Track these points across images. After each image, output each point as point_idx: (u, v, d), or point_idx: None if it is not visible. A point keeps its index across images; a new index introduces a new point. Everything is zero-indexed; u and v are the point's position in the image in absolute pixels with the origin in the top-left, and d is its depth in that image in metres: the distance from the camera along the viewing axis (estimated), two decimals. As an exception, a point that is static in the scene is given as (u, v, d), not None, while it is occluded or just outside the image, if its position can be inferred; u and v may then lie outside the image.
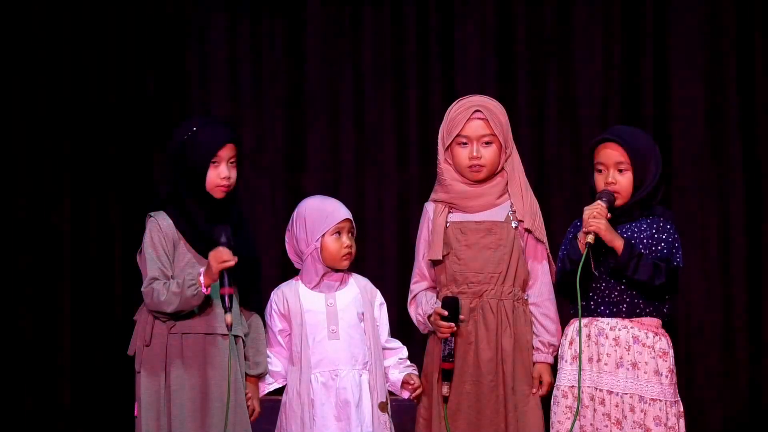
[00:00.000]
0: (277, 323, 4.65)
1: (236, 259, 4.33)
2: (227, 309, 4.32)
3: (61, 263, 6.64)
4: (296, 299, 4.64)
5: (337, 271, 4.66)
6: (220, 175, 4.44)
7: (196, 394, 4.42)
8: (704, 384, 6.59)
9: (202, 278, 4.35)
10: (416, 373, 4.68)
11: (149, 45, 6.74)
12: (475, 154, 4.63)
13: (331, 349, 4.59)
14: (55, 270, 6.64)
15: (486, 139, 4.64)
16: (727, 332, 6.61)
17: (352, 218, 4.69)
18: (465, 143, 4.65)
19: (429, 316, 4.61)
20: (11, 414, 6.58)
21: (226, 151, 4.46)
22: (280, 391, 4.68)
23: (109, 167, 6.69)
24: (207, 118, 4.65)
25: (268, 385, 4.65)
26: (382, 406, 4.61)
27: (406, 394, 4.69)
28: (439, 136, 4.72)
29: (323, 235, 4.63)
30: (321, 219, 4.64)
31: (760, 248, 6.60)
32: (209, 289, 4.37)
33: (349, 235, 4.66)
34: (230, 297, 4.33)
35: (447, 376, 4.57)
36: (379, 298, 4.75)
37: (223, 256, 4.33)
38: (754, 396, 6.59)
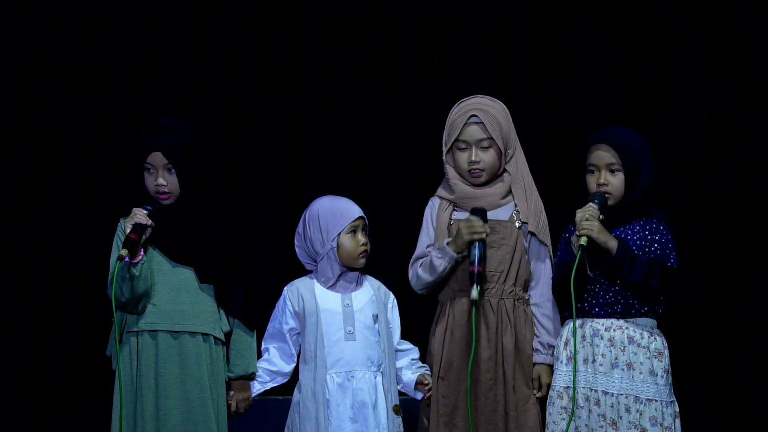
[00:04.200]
0: (289, 321, 4.64)
1: (149, 220, 4.42)
2: (125, 246, 4.37)
3: (59, 263, 6.65)
4: (312, 297, 4.63)
5: (352, 270, 4.66)
6: (154, 181, 4.50)
7: (160, 392, 4.46)
8: (704, 384, 6.57)
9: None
10: (429, 373, 4.68)
11: (150, 45, 6.75)
12: (474, 158, 4.63)
13: (348, 350, 4.58)
14: (54, 270, 6.65)
15: (484, 143, 4.64)
16: (727, 332, 6.60)
17: (365, 215, 4.69)
18: (464, 148, 4.65)
19: (447, 243, 4.58)
20: (12, 414, 6.60)
21: (156, 159, 4.50)
22: (273, 391, 4.69)
23: (109, 167, 6.69)
24: (156, 123, 4.65)
25: (264, 384, 4.66)
26: (397, 409, 4.61)
27: (419, 395, 4.69)
28: (443, 138, 4.72)
29: (339, 234, 4.62)
30: (336, 218, 4.63)
31: (760, 248, 6.59)
32: (135, 257, 4.41)
33: (364, 232, 4.66)
34: (133, 240, 4.38)
35: (480, 278, 4.52)
36: (391, 300, 4.75)
37: (136, 212, 4.44)
38: (754, 396, 6.57)
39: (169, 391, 4.45)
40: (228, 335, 4.58)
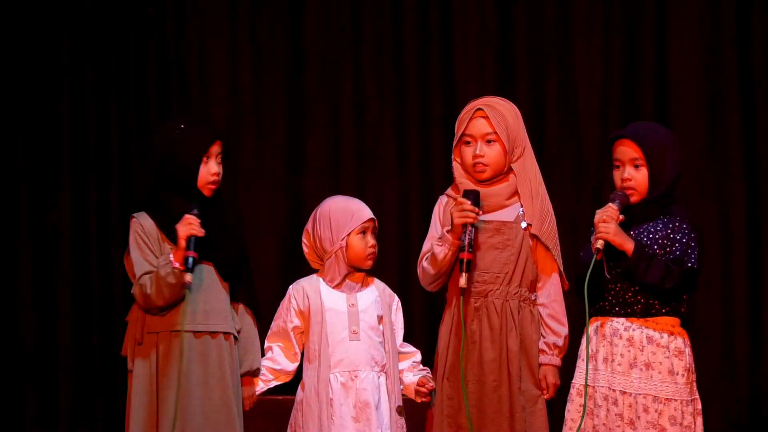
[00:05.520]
0: (294, 320, 4.64)
1: (203, 231, 4.36)
2: (189, 269, 4.34)
3: (59, 263, 6.63)
4: (317, 297, 4.62)
5: (358, 271, 4.65)
6: (210, 171, 4.47)
7: (182, 392, 4.42)
8: (704, 384, 6.57)
9: (171, 255, 4.38)
10: (430, 375, 4.67)
11: (150, 45, 6.73)
12: (478, 152, 4.62)
13: (352, 350, 4.58)
14: (54, 270, 6.62)
15: (489, 137, 4.63)
16: (727, 332, 6.62)
17: (375, 218, 4.68)
18: (470, 142, 4.64)
19: (447, 230, 4.55)
20: (11, 414, 6.56)
21: (216, 147, 4.48)
22: (275, 391, 4.67)
23: (110, 166, 6.68)
24: (192, 116, 4.65)
25: (268, 383, 4.65)
26: (400, 410, 4.62)
27: (420, 398, 4.69)
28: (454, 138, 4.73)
29: (349, 234, 4.62)
30: (347, 218, 4.63)
31: (760, 248, 6.61)
32: (187, 271, 4.36)
33: (373, 234, 4.67)
34: (193, 259, 4.35)
35: (467, 266, 4.50)
36: (396, 302, 4.75)
37: (190, 221, 4.36)
38: (754, 396, 6.59)
39: (192, 392, 4.42)
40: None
